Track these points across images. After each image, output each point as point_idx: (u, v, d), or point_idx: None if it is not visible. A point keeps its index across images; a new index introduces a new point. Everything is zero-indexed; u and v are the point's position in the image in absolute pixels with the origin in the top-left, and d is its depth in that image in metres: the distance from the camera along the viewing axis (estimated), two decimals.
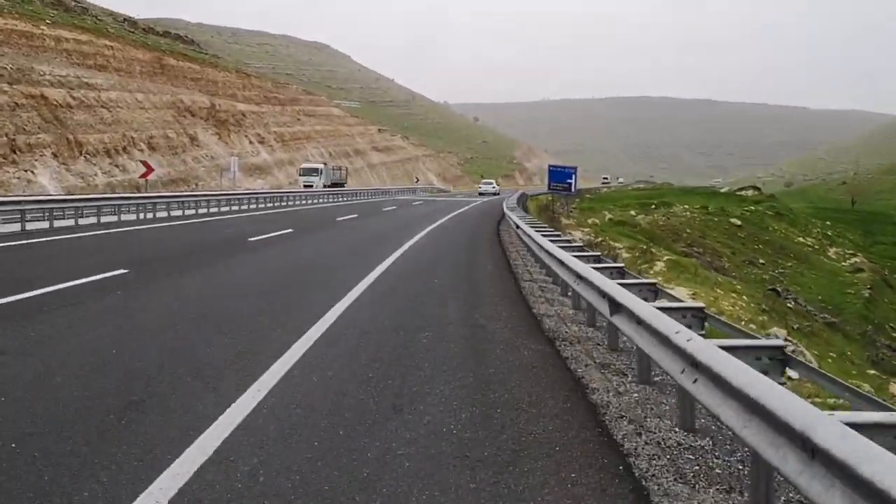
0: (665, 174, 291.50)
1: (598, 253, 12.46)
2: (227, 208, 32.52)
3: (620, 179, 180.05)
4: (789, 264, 38.29)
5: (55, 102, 39.55)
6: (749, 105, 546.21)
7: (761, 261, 36.25)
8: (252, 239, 17.57)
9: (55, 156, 36.71)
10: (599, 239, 22.74)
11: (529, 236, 13.72)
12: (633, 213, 41.44)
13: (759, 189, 76.50)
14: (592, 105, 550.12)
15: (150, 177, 34.00)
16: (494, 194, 66.84)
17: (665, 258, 21.65)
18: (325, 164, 65.27)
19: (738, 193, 71.25)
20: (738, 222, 43.58)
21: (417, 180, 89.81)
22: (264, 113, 70.59)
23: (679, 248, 31.09)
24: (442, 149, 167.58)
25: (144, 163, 35.55)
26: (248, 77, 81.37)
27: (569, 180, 33.38)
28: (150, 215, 24.80)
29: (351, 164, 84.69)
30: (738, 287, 23.67)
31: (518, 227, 16.76)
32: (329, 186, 58.05)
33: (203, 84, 67.67)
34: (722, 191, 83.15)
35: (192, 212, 28.48)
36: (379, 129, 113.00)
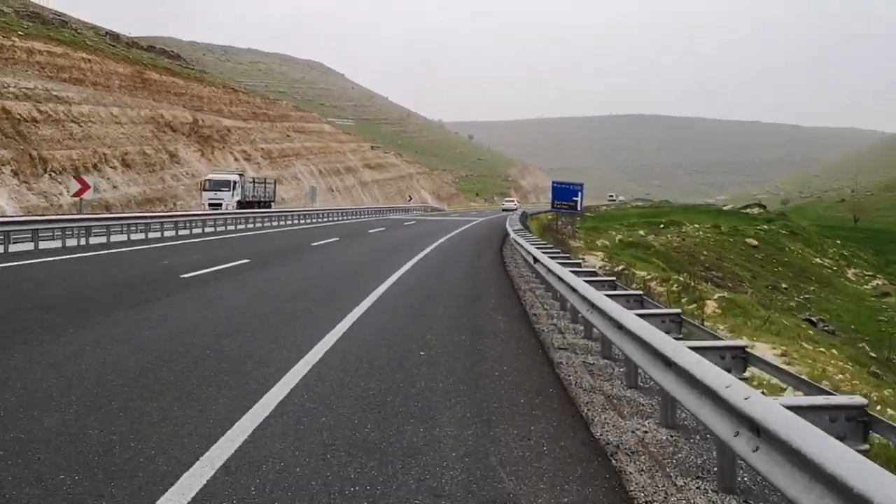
0: (659, 192, 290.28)
1: (642, 293, 9.51)
2: (199, 230, 29.37)
3: (620, 197, 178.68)
4: (812, 288, 35.45)
5: (18, 116, 36.64)
6: (742, 123, 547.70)
7: (784, 285, 33.33)
8: (187, 275, 13.44)
9: (15, 173, 33.72)
10: (621, 267, 19.81)
11: (551, 271, 10.72)
12: (641, 232, 38.70)
13: (764, 207, 73.96)
14: (587, 123, 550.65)
15: (87, 195, 28.90)
16: (514, 209, 64.18)
17: (715, 296, 18.49)
18: (240, 173, 47.11)
19: (743, 211, 68.67)
20: (755, 242, 40.83)
21: (410, 198, 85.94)
22: (251, 129, 67.82)
23: (697, 271, 28.27)
24: (436, 166, 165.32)
25: (79, 178, 30.53)
26: (236, 92, 78.77)
27: (574, 198, 30.58)
28: (83, 241, 20.73)
29: (342, 181, 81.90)
30: (832, 342, 20.15)
31: (535, 259, 13.37)
32: (245, 205, 42.63)
33: (187, 99, 64.99)
34: (725, 208, 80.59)
35: (157, 234, 25.35)
36: (372, 146, 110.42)
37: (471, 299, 12.67)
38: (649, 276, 19.55)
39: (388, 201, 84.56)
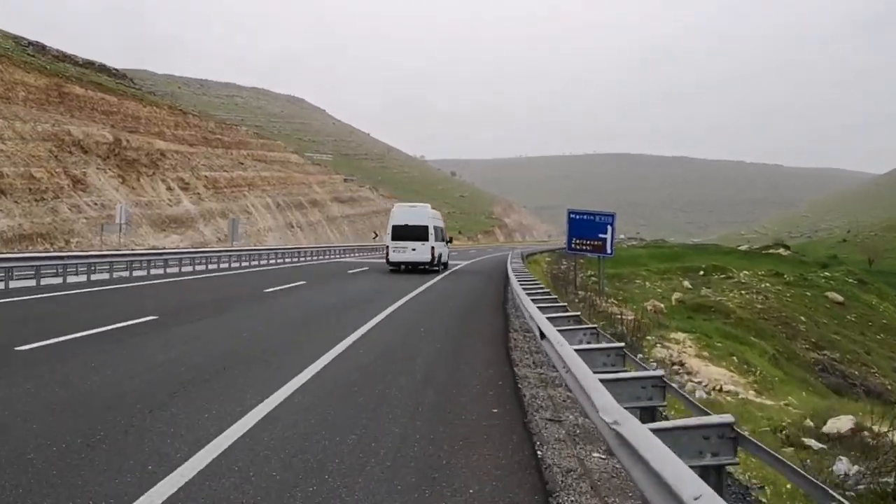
0: (645, 231, 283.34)
1: None
2: (103, 275, 22.29)
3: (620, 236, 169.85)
4: None
5: None
6: (725, 162, 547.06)
7: None
8: (24, 346, 8.81)
9: None
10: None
11: None
12: (686, 283, 29.04)
13: (788, 247, 64.83)
14: (570, 162, 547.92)
15: None
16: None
17: None
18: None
19: (766, 253, 59.33)
20: (840, 298, 31.35)
21: (376, 235, 72.37)
22: (193, 154, 57.74)
23: (800, 347, 18.68)
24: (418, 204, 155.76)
25: None
26: (185, 115, 68.90)
27: (602, 235, 20.69)
28: None
29: (306, 216, 71.78)
30: None
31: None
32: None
33: (119, 118, 55.08)
34: (741, 248, 71.32)
35: (32, 283, 18.79)
36: (345, 179, 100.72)
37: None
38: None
39: (360, 238, 74.46)
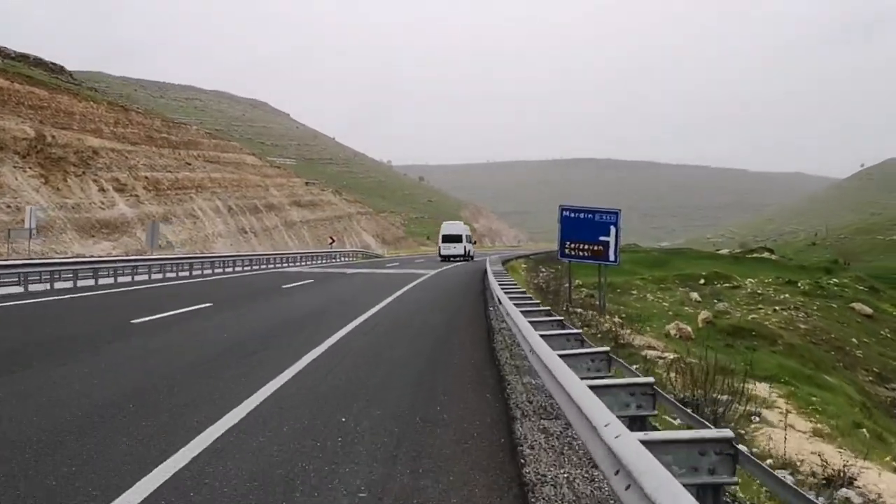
0: None
1: None
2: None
3: None
4: None
5: None
6: (690, 167, 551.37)
7: None
8: None
9: None
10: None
11: None
12: (694, 295, 25.05)
13: (772, 251, 61.77)
14: (537, 167, 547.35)
15: None
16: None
17: None
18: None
19: (749, 256, 56.02)
20: (868, 311, 27.69)
21: (333, 241, 66.03)
22: (133, 152, 52.50)
23: (863, 379, 14.79)
24: (384, 208, 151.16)
25: None
26: (127, 111, 63.45)
27: (604, 237, 16.45)
28: None
29: (261, 221, 66.72)
30: None
31: None
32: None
33: (48, 114, 49.67)
34: (721, 252, 68.15)
35: None
36: (306, 182, 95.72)
37: None
38: None
39: (320, 245, 69.56)
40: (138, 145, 56.87)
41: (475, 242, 58.96)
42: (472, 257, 54.85)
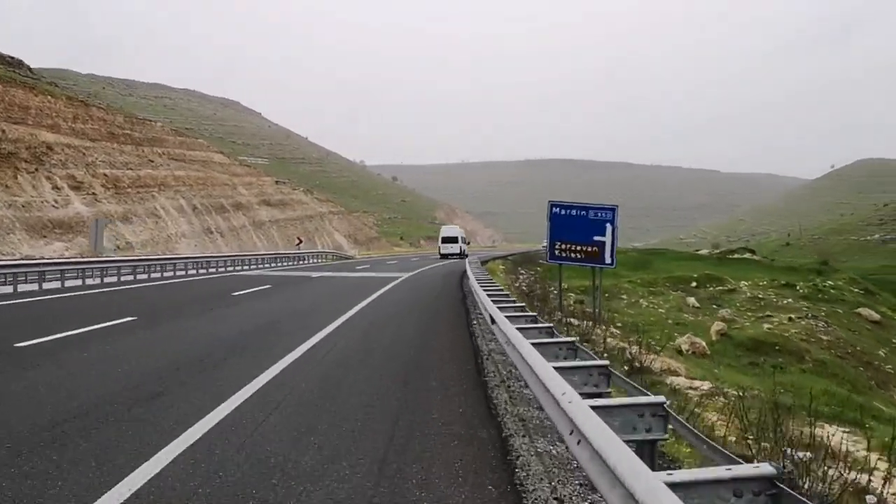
0: None
1: None
2: None
3: (544, 243, 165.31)
4: None
5: None
6: (664, 168, 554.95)
7: None
8: None
9: None
10: None
11: None
12: (692, 301, 23.50)
13: (753, 251, 60.88)
14: (512, 167, 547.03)
15: None
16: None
17: None
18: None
19: (731, 257, 55.00)
20: (876, 317, 26.36)
21: (300, 242, 63.03)
22: (91, 149, 49.86)
23: None
24: (357, 208, 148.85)
25: None
26: (87, 107, 60.59)
27: (599, 237, 14.75)
28: None
29: (228, 221, 64.25)
30: None
31: None
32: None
33: (0, 108, 46.86)
34: (700, 252, 67.17)
35: None
36: (276, 181, 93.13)
37: None
38: None
39: (289, 245, 67.24)
40: (98, 141, 54.19)
41: (469, 242, 70.72)
42: (466, 255, 61.16)
